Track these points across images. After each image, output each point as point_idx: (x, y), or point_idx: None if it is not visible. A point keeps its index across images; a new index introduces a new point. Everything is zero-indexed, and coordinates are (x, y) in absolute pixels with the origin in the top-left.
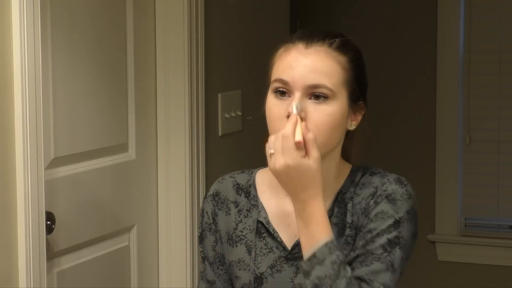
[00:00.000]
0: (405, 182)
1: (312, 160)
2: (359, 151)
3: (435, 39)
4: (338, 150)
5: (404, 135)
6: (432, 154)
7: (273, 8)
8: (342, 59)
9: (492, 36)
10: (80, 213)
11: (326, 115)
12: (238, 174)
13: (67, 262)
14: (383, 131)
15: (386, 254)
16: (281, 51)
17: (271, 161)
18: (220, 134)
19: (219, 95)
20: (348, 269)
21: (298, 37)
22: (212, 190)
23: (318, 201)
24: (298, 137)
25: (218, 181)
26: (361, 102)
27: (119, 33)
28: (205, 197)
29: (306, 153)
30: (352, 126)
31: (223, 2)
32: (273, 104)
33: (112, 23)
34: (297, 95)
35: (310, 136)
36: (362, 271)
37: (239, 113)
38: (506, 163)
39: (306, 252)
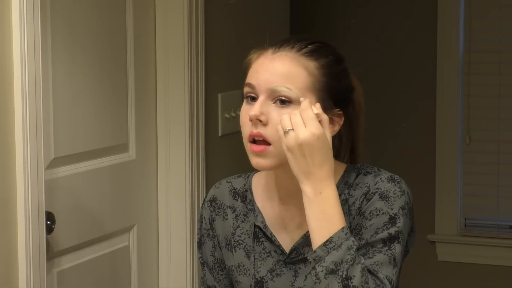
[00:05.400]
0: (398, 180)
1: (329, 137)
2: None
3: (435, 39)
4: None
5: (404, 135)
6: (432, 154)
7: (273, 8)
8: (310, 64)
9: (492, 36)
10: (80, 213)
11: None
12: (235, 178)
13: (67, 262)
14: (383, 131)
15: (387, 248)
16: (254, 56)
17: (289, 137)
18: (220, 134)
19: (219, 95)
20: (362, 256)
21: (271, 43)
22: (209, 195)
23: (332, 183)
24: (317, 110)
25: (215, 186)
26: (337, 110)
27: (119, 33)
28: (203, 202)
29: None
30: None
31: (223, 2)
32: (243, 109)
33: (112, 23)
34: (261, 98)
35: (324, 116)
36: (366, 262)
37: (239, 113)
38: (506, 163)
39: (320, 238)
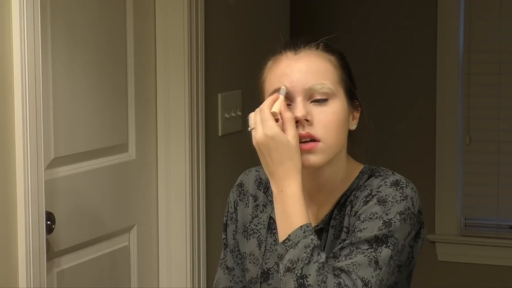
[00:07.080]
0: (403, 185)
1: (290, 137)
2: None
3: (435, 39)
4: (344, 152)
5: (404, 135)
6: (432, 154)
7: (273, 8)
8: (332, 58)
9: (492, 36)
10: (80, 213)
11: (331, 114)
12: None
13: (67, 262)
14: (383, 131)
15: (372, 250)
16: (270, 64)
17: (252, 136)
18: (220, 134)
19: (219, 95)
20: (323, 255)
21: (284, 46)
22: (238, 180)
23: (294, 181)
24: (274, 109)
25: (245, 173)
26: (356, 101)
27: (119, 33)
28: (233, 186)
29: (284, 131)
30: (353, 125)
31: (223, 2)
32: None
33: (112, 23)
34: (298, 99)
35: (288, 115)
36: (344, 262)
37: (239, 113)
38: (506, 163)
39: (282, 236)
